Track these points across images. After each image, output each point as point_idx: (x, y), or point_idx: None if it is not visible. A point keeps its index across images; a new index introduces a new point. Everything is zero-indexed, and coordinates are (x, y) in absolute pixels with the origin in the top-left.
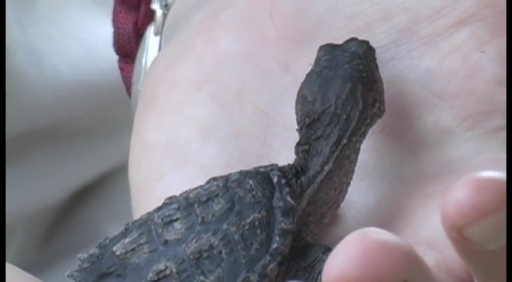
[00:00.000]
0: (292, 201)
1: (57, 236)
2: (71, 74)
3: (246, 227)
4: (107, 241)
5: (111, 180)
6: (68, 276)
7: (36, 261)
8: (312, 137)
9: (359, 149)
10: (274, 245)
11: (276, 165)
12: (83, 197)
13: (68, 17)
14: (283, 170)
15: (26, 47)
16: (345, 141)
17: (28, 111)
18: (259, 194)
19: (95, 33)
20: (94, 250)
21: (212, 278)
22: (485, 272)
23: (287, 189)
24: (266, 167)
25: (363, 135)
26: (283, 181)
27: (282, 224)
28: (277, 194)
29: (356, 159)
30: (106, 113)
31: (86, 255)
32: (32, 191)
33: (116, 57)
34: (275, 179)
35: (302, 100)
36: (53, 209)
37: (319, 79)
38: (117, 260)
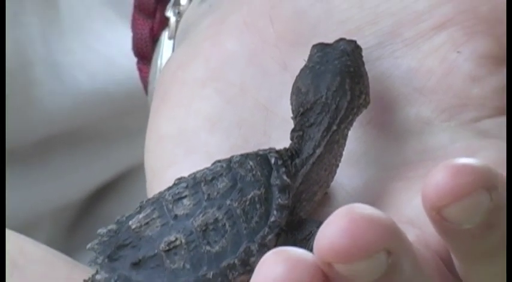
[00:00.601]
0: (288, 180)
1: (79, 230)
2: (88, 84)
3: (247, 203)
4: (124, 218)
5: (126, 180)
6: (88, 249)
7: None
8: (306, 124)
9: (347, 135)
10: (272, 218)
11: (274, 148)
12: (101, 194)
13: (90, 30)
14: (280, 153)
15: (48, 60)
16: (334, 127)
17: (48, 118)
18: (259, 173)
19: (114, 46)
20: (112, 226)
21: (217, 247)
22: (461, 248)
23: (283, 169)
24: (265, 150)
25: (351, 122)
26: (279, 162)
27: (279, 200)
28: (274, 174)
29: (344, 144)
30: (120, 120)
31: (104, 230)
32: (55, 189)
33: (131, 67)
34: (273, 160)
35: (297, 91)
36: (74, 206)
37: (312, 73)
38: (132, 233)
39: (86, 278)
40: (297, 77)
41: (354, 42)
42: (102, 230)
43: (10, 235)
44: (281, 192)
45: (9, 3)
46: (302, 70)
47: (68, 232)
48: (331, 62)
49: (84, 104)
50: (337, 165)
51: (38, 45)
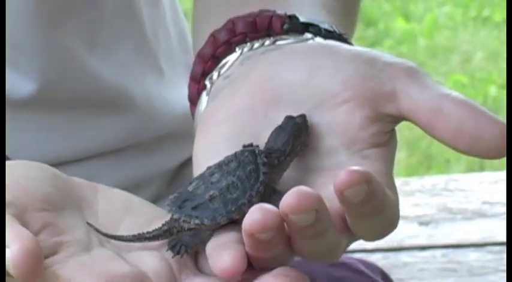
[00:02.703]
0: (266, 160)
1: (170, 189)
2: (171, 111)
3: (247, 173)
4: (181, 189)
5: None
6: (167, 205)
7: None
8: (269, 156)
9: (290, 162)
10: (261, 179)
11: (257, 146)
12: (181, 168)
13: (174, 87)
14: (260, 149)
15: (161, 98)
16: (282, 158)
17: (159, 125)
18: (250, 157)
19: (184, 92)
20: (179, 192)
21: (235, 195)
22: (351, 211)
23: (263, 155)
24: (252, 147)
25: (293, 158)
26: (261, 152)
27: (263, 169)
28: (259, 157)
29: (289, 165)
30: (188, 129)
31: (173, 195)
32: (155, 164)
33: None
34: (256, 151)
35: (267, 141)
36: (167, 174)
37: (276, 133)
38: (189, 193)
39: (168, 219)
40: (271, 132)
41: (304, 116)
42: (171, 196)
43: (123, 192)
44: (263, 166)
45: (123, 59)
46: (274, 129)
47: (165, 191)
48: (287, 128)
49: (168, 121)
50: (285, 170)
51: (156, 93)
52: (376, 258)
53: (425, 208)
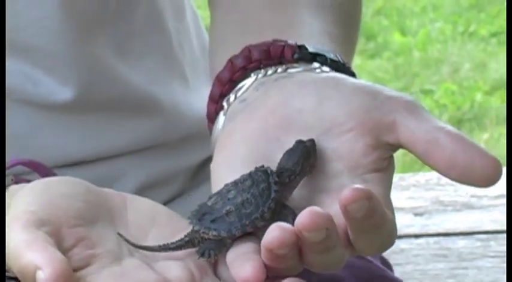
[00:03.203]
0: (277, 179)
1: (193, 184)
2: (194, 115)
3: (260, 190)
4: (202, 203)
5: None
6: (188, 217)
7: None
8: (280, 175)
9: (300, 181)
10: (272, 196)
11: (269, 167)
12: (203, 165)
13: (197, 93)
14: (272, 169)
15: (186, 103)
16: (292, 177)
17: (184, 127)
18: (263, 176)
19: (204, 101)
20: (199, 205)
21: (249, 210)
22: (353, 226)
23: (275, 174)
24: (264, 167)
25: (302, 177)
26: (273, 172)
27: (275, 187)
28: (271, 177)
29: (298, 184)
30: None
31: (196, 207)
32: (182, 161)
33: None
34: (269, 171)
35: (280, 160)
36: (191, 170)
37: (288, 154)
38: (209, 207)
39: (189, 231)
40: (283, 153)
41: (313, 141)
42: (193, 210)
43: (149, 201)
44: (275, 184)
45: (158, 72)
46: (286, 151)
47: (187, 188)
48: (298, 150)
49: (192, 123)
50: (295, 188)
51: (183, 101)
52: None
53: (419, 201)
